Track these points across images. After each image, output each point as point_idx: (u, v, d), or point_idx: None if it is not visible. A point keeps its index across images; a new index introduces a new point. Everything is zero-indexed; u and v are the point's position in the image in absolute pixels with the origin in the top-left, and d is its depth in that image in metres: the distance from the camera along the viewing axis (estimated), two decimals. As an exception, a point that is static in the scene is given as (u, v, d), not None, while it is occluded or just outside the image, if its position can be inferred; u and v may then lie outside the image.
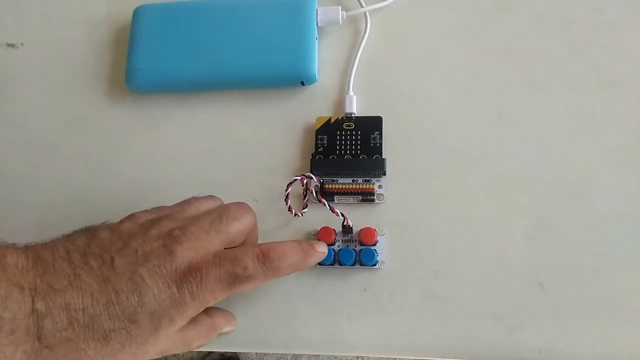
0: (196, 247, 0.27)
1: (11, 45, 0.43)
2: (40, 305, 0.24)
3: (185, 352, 1.08)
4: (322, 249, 0.31)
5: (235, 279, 0.27)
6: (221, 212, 0.29)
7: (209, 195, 0.32)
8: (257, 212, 0.31)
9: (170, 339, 0.27)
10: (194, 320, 0.28)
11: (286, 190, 0.33)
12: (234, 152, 0.37)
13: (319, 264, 0.33)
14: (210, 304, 0.28)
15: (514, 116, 0.36)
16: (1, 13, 0.44)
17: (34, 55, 0.42)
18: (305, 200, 0.35)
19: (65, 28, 0.42)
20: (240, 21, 0.38)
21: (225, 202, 0.32)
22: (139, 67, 0.38)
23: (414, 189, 0.35)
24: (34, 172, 0.39)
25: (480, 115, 0.36)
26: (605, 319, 0.31)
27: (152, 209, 0.31)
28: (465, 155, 0.35)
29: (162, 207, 0.31)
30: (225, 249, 0.29)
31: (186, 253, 0.27)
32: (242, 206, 0.31)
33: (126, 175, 0.38)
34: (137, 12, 0.40)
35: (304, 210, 0.34)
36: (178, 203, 0.31)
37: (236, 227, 0.29)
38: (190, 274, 0.27)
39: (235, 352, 1.04)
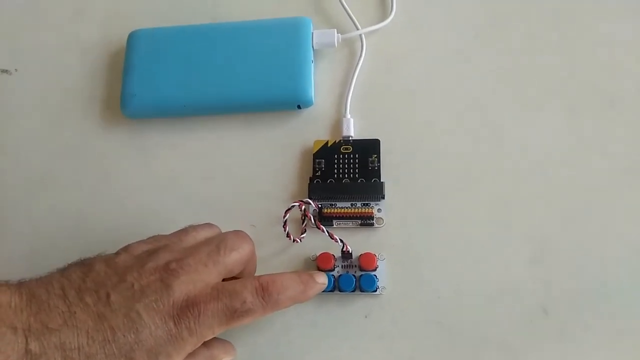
0: (194, 280, 0.27)
1: (5, 71, 0.42)
2: (34, 346, 0.24)
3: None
4: (322, 280, 0.31)
5: (234, 314, 0.27)
6: (219, 242, 0.29)
7: (206, 224, 0.32)
8: (254, 237, 0.31)
9: None
10: (191, 354, 0.28)
11: (284, 217, 0.33)
12: (230, 177, 0.37)
13: (319, 290, 0.32)
14: (208, 338, 0.27)
15: (513, 137, 0.35)
16: (-5, 39, 0.44)
17: (28, 81, 0.42)
18: (304, 225, 0.34)
19: (60, 53, 0.42)
20: (236, 45, 0.38)
21: (222, 229, 0.32)
22: (134, 93, 0.38)
23: (414, 212, 0.34)
24: (26, 199, 0.38)
25: (479, 136, 0.36)
26: (610, 344, 0.30)
27: (148, 238, 0.30)
28: (464, 177, 0.35)
29: (159, 236, 0.31)
30: (223, 279, 0.29)
31: (184, 287, 0.27)
32: (240, 235, 0.30)
33: (121, 202, 0.37)
34: (132, 37, 0.40)
35: (302, 236, 0.34)
36: (175, 233, 0.31)
37: (234, 257, 0.29)
38: (187, 309, 0.26)
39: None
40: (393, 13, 0.39)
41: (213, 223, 0.32)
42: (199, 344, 0.27)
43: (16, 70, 0.42)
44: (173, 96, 0.38)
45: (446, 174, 0.35)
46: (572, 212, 0.33)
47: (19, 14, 0.44)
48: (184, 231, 0.31)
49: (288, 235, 0.33)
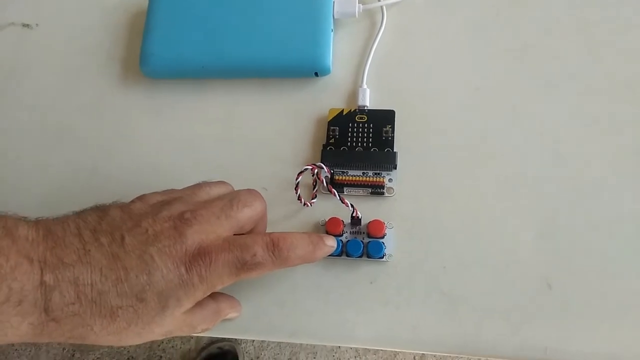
0: (206, 231, 0.27)
1: (27, 26, 0.43)
2: (48, 278, 0.24)
3: (184, 344, 1.09)
4: (331, 243, 0.31)
5: (244, 265, 0.27)
6: (232, 198, 0.29)
7: (219, 181, 0.32)
8: (267, 200, 0.31)
9: (175, 320, 0.27)
10: (200, 304, 0.28)
11: (296, 179, 0.33)
12: (245, 140, 0.37)
13: (327, 254, 0.33)
14: (218, 289, 0.28)
15: (527, 114, 0.36)
16: (18, -7, 0.44)
17: (48, 37, 0.42)
18: (315, 190, 0.34)
19: (82, 11, 0.43)
20: (257, 10, 0.38)
21: (235, 189, 0.32)
22: (154, 52, 0.38)
23: (425, 183, 0.35)
24: (45, 152, 0.39)
25: (493, 112, 0.36)
26: (612, 319, 0.31)
27: (163, 191, 0.31)
28: (476, 152, 0.35)
29: (173, 190, 0.31)
30: (234, 235, 0.29)
31: (196, 236, 0.27)
32: (252, 193, 0.31)
33: (137, 159, 0.38)
34: (154, -3, 0.40)
35: (313, 200, 0.34)
36: (189, 187, 0.31)
37: (246, 214, 0.29)
38: (199, 257, 0.27)
39: (233, 346, 1.04)
40: (415, -14, 0.39)
41: (225, 181, 0.33)
42: (208, 293, 0.28)
43: (37, 25, 0.43)
44: (192, 57, 0.38)
45: (458, 148, 0.35)
46: (581, 190, 0.33)
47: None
48: (198, 186, 0.31)
49: (299, 199, 0.33)
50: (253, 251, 0.28)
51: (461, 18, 0.39)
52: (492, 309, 0.32)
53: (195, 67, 0.38)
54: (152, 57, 0.38)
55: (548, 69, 0.37)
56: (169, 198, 0.30)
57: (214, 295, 0.30)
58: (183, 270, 0.26)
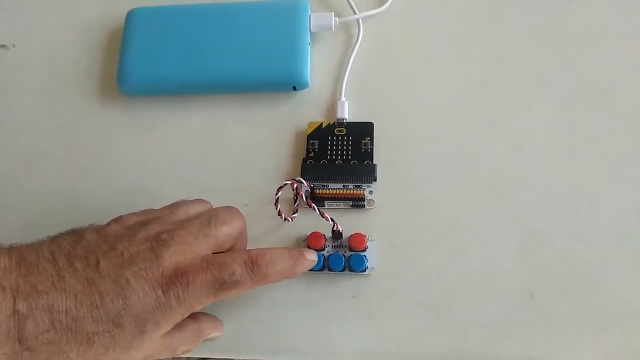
0: (184, 251, 0.27)
1: (2, 46, 0.42)
2: (22, 306, 0.24)
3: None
4: (311, 257, 0.31)
5: (222, 284, 0.27)
6: (210, 216, 0.29)
7: (198, 199, 0.32)
8: (246, 216, 0.31)
9: (154, 343, 0.27)
10: (179, 326, 0.28)
11: (276, 195, 0.33)
12: (225, 156, 0.37)
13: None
14: (197, 309, 0.28)
15: (505, 124, 0.36)
16: (-6, 14, 0.44)
17: (25, 57, 0.42)
18: (296, 205, 0.34)
19: (58, 30, 0.42)
20: (234, 25, 0.38)
21: (215, 206, 0.32)
22: (131, 70, 0.38)
23: (405, 195, 0.35)
24: (22, 174, 0.38)
25: (472, 122, 0.36)
26: (594, 328, 0.31)
27: (140, 212, 0.30)
28: (456, 162, 0.35)
29: (150, 210, 0.31)
30: (213, 253, 0.29)
31: (173, 257, 0.27)
32: (231, 210, 0.30)
33: (116, 179, 0.37)
34: (130, 15, 0.40)
35: (294, 215, 0.34)
36: (166, 206, 0.31)
37: (225, 232, 0.29)
38: (176, 278, 0.26)
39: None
40: (391, -1, 0.40)
41: (205, 199, 0.32)
42: (187, 314, 0.27)
43: (14, 45, 0.43)
44: (169, 74, 0.38)
45: (438, 159, 0.35)
46: (562, 199, 0.33)
47: (18, -11, 0.44)
48: (176, 205, 0.31)
49: (280, 214, 0.33)
50: (231, 270, 0.27)
51: (438, 29, 0.39)
52: (475, 320, 0.31)
53: (174, 83, 0.38)
54: (129, 75, 0.38)
55: (526, 78, 0.37)
56: (146, 219, 0.29)
57: (194, 316, 0.30)
58: (160, 292, 0.26)
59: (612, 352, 0.30)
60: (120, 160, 0.38)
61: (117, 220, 0.29)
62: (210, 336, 0.31)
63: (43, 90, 0.41)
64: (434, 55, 0.38)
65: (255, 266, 0.28)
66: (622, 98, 0.36)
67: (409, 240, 0.34)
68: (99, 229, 0.28)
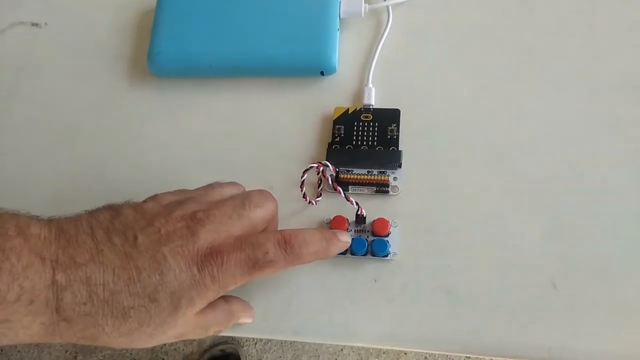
0: (219, 230, 0.27)
1: (35, 25, 0.43)
2: (60, 277, 0.24)
3: (186, 346, 1.09)
4: (345, 239, 0.31)
5: (256, 264, 0.27)
6: (244, 198, 0.30)
7: (231, 182, 0.33)
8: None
9: (188, 321, 0.27)
10: (212, 305, 0.28)
11: (302, 177, 0.33)
12: (252, 138, 0.37)
13: (331, 252, 0.33)
14: (230, 288, 0.28)
15: (532, 115, 0.36)
16: (27, -7, 0.44)
17: (57, 36, 0.43)
18: (320, 188, 0.35)
19: (90, 9, 0.43)
20: (264, 9, 0.38)
21: (246, 189, 0.32)
22: (161, 51, 0.39)
23: (429, 182, 0.35)
24: (52, 148, 0.39)
25: (498, 113, 0.36)
26: (616, 319, 0.31)
27: (175, 191, 0.31)
28: (482, 151, 0.35)
29: (185, 190, 0.31)
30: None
31: (209, 235, 0.27)
32: (264, 194, 0.31)
33: (144, 158, 0.38)
34: (162, -3, 0.40)
35: (318, 199, 0.34)
36: (201, 187, 0.31)
37: (258, 214, 0.29)
38: (211, 257, 0.27)
39: (235, 349, 1.04)
40: (421, -13, 0.40)
41: (236, 182, 0.33)
42: (221, 293, 0.28)
43: (46, 24, 0.43)
44: (199, 56, 0.38)
45: (463, 147, 0.35)
46: (587, 190, 0.33)
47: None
48: (210, 186, 0.31)
49: (304, 197, 0.34)
50: (265, 249, 0.27)
51: (467, 18, 0.39)
52: (496, 308, 0.31)
53: (203, 65, 0.38)
54: (159, 56, 0.39)
55: (554, 69, 0.37)
56: (182, 198, 0.30)
57: (226, 298, 0.30)
58: (195, 270, 0.26)
59: (635, 343, 0.30)
60: (149, 140, 0.38)
61: (153, 198, 0.30)
62: (240, 321, 0.32)
63: (74, 69, 0.41)
64: (462, 44, 0.38)
65: (289, 246, 0.28)
66: (653, 92, 0.35)
67: (432, 227, 0.34)
68: (135, 206, 0.29)
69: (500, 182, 0.34)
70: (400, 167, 0.35)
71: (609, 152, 0.34)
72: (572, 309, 0.31)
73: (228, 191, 0.31)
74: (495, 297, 0.32)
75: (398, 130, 0.35)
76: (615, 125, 0.35)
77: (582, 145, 0.35)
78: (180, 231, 0.27)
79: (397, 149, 0.35)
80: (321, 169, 0.33)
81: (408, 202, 0.34)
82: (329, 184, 0.34)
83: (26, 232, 0.25)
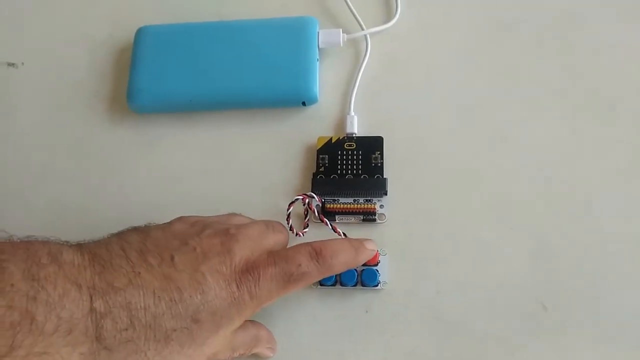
0: (251, 247, 0.28)
1: (12, 65, 0.43)
2: (99, 304, 0.23)
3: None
4: (371, 247, 0.31)
5: (291, 277, 0.27)
6: (267, 223, 0.30)
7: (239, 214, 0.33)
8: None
9: (223, 340, 0.27)
10: (243, 327, 0.28)
11: (288, 210, 0.33)
12: (235, 172, 0.37)
13: (320, 284, 0.33)
14: (266, 305, 0.28)
15: (515, 137, 0.36)
16: (2, 31, 0.44)
17: (34, 75, 0.42)
18: (307, 219, 0.34)
19: (67, 48, 0.43)
20: (243, 42, 0.38)
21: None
22: (141, 88, 0.38)
23: (416, 208, 0.35)
24: (32, 190, 0.38)
25: (481, 136, 0.36)
26: (607, 340, 0.31)
27: (197, 215, 0.31)
28: (466, 175, 0.35)
29: (207, 216, 0.31)
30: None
31: (243, 252, 0.27)
32: (280, 223, 0.32)
33: (127, 196, 0.37)
34: (140, 33, 0.40)
35: (305, 230, 0.34)
36: (221, 214, 0.32)
37: (280, 238, 0.30)
38: (248, 273, 0.26)
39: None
40: (398, 14, 0.40)
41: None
42: (257, 310, 0.28)
43: (23, 63, 0.43)
44: (179, 91, 0.38)
45: (448, 172, 0.35)
46: (572, 211, 0.34)
47: (26, 7, 0.45)
48: (229, 214, 0.32)
49: (291, 229, 0.33)
50: (297, 261, 0.28)
51: (445, 43, 0.39)
52: (488, 333, 0.31)
53: (183, 100, 0.38)
54: (139, 93, 0.38)
55: (533, 91, 0.37)
56: (208, 219, 0.30)
57: (254, 322, 0.31)
58: (234, 287, 0.26)
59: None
60: (130, 178, 0.38)
61: (179, 219, 0.29)
62: (263, 354, 0.31)
63: (52, 108, 0.41)
64: (441, 69, 0.39)
65: (321, 257, 0.28)
66: (630, 110, 0.36)
67: (421, 254, 0.34)
68: (163, 227, 0.28)
69: (485, 205, 0.34)
70: (386, 194, 0.35)
71: (591, 171, 0.35)
72: (564, 331, 0.31)
73: (245, 219, 0.32)
74: (486, 322, 0.32)
75: (382, 158, 0.36)
76: (595, 144, 0.35)
77: (564, 165, 0.35)
78: (215, 248, 0.27)
79: (382, 176, 0.35)
80: (307, 200, 0.33)
81: (395, 229, 0.34)
82: (315, 215, 0.34)
83: (59, 259, 0.24)
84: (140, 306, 0.24)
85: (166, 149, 0.38)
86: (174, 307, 0.25)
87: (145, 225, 0.28)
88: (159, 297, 0.24)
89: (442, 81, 0.38)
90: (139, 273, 0.25)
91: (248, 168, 0.37)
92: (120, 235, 0.27)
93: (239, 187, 0.37)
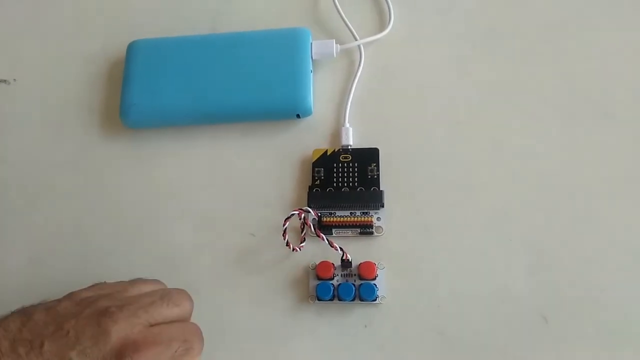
0: (132, 324, 0.26)
1: (3, 81, 0.42)
2: None
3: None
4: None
5: (173, 355, 0.27)
6: (163, 295, 0.29)
7: (154, 279, 0.32)
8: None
9: None
10: None
11: (284, 225, 0.33)
12: (230, 186, 0.37)
13: (318, 299, 0.32)
14: None
15: (510, 147, 0.36)
16: (-6, 49, 0.44)
17: (27, 91, 0.42)
18: (303, 234, 0.34)
19: (59, 63, 0.42)
20: (235, 55, 0.38)
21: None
22: (134, 102, 0.38)
23: (413, 220, 0.34)
24: (26, 209, 0.38)
25: (477, 146, 0.36)
26: (609, 351, 0.30)
27: (93, 285, 0.30)
28: (463, 186, 0.35)
29: (104, 285, 0.30)
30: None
31: (122, 332, 0.26)
32: (183, 293, 0.30)
33: (120, 212, 0.37)
34: (132, 47, 0.40)
35: (301, 245, 0.34)
36: (121, 282, 0.30)
37: (174, 312, 0.28)
38: (127, 351, 0.25)
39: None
40: (391, 24, 0.40)
41: (159, 280, 0.32)
42: None
43: (15, 80, 0.42)
44: (173, 106, 0.38)
45: (445, 183, 0.35)
46: (570, 221, 0.33)
47: (18, 23, 0.44)
48: (131, 282, 0.30)
49: (287, 244, 0.33)
50: (182, 338, 0.27)
51: (439, 53, 0.39)
52: (488, 346, 0.31)
53: (177, 115, 0.38)
54: (132, 108, 0.38)
55: (528, 100, 0.37)
56: (97, 295, 0.29)
57: None
58: None
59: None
60: (125, 193, 0.38)
61: (69, 296, 0.29)
62: None
63: (45, 125, 0.40)
64: (435, 79, 0.38)
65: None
66: (624, 117, 0.36)
67: (419, 267, 0.33)
68: (49, 308, 0.27)
69: (483, 216, 0.34)
70: (382, 206, 0.34)
71: (588, 180, 0.34)
72: (565, 342, 0.31)
73: (148, 288, 0.30)
74: (486, 335, 0.31)
75: (378, 170, 0.35)
76: (590, 153, 0.35)
77: (561, 174, 0.35)
78: (89, 330, 0.26)
79: (379, 188, 0.35)
80: (303, 215, 0.33)
81: (393, 242, 0.34)
82: (311, 230, 0.33)
83: None
84: None
85: (160, 164, 0.38)
86: None
87: (35, 305, 0.28)
88: None
89: (436, 91, 0.38)
90: None
91: (243, 182, 0.37)
92: (3, 321, 0.27)
93: (234, 201, 0.36)
